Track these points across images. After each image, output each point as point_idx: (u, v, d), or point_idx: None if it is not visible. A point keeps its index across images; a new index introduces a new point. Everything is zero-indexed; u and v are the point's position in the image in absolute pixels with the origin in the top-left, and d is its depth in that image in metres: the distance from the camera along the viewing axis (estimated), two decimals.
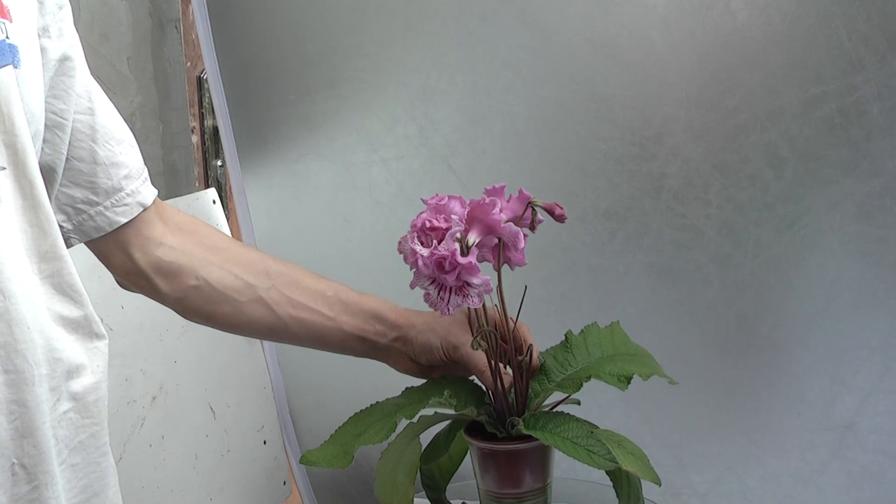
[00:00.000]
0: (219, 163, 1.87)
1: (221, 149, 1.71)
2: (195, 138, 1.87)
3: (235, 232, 1.62)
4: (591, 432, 0.90)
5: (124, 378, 1.26)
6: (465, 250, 0.84)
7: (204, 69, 1.64)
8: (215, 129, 1.81)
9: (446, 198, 0.87)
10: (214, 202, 1.55)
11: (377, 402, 1.00)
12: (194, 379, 1.41)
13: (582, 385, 0.94)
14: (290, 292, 0.99)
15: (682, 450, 1.28)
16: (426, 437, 1.00)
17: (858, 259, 1.15)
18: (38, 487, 0.73)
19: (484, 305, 0.93)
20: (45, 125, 0.82)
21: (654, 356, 0.99)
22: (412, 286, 0.87)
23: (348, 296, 1.01)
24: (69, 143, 0.86)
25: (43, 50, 0.82)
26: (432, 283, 0.85)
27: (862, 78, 1.10)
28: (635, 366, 0.94)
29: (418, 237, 0.85)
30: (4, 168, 0.73)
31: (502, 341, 0.95)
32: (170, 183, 1.84)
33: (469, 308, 0.86)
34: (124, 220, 0.91)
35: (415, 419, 0.95)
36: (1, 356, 0.71)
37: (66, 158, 0.86)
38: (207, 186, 1.85)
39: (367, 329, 1.01)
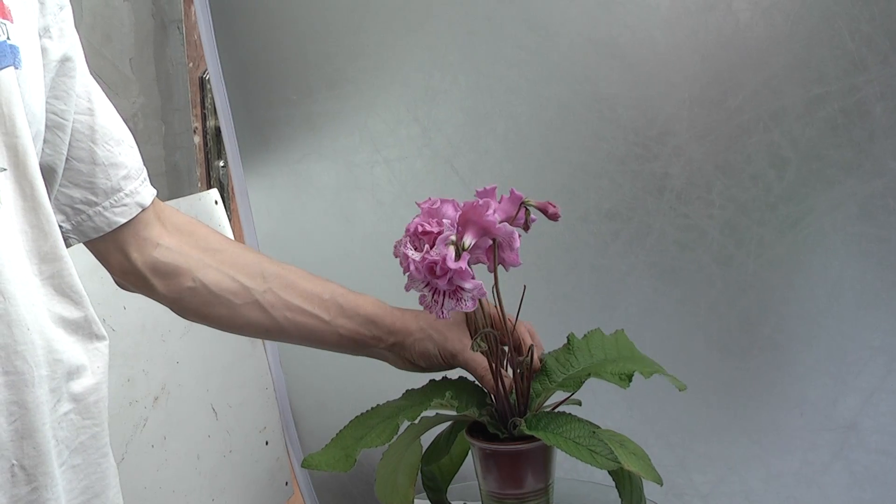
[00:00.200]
0: (221, 163, 1.87)
1: (224, 149, 1.71)
2: (197, 139, 1.87)
3: (238, 233, 1.62)
4: (594, 432, 0.89)
5: (126, 379, 1.26)
6: (461, 253, 0.84)
7: (206, 70, 1.65)
8: (217, 130, 1.81)
9: (439, 201, 0.87)
10: (217, 203, 1.55)
11: (378, 404, 1.00)
12: (196, 380, 1.41)
13: (582, 383, 0.94)
14: (286, 295, 0.99)
15: (684, 450, 1.28)
16: (427, 438, 1.00)
17: (861, 259, 1.15)
18: (38, 489, 0.73)
19: (483, 305, 0.93)
20: (46, 126, 0.82)
21: (658, 362, 0.99)
22: (406, 289, 0.87)
23: (345, 299, 1.01)
24: (69, 143, 0.86)
25: (44, 50, 0.82)
26: (426, 286, 0.85)
27: (864, 78, 1.10)
28: (637, 365, 0.94)
29: (411, 241, 0.85)
30: (5, 169, 0.73)
31: (501, 342, 0.95)
32: (172, 184, 1.84)
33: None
34: (123, 221, 0.91)
35: (416, 420, 0.95)
36: (1, 357, 0.71)
37: (66, 158, 0.86)
38: (210, 187, 1.85)
39: (364, 333, 1.00)
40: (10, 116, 0.73)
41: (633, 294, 1.27)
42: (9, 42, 0.75)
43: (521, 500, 0.95)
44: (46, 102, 0.82)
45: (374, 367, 1.06)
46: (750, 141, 1.17)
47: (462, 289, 0.84)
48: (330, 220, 1.48)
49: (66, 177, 0.87)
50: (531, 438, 0.92)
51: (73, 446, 0.78)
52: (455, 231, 0.85)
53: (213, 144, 1.87)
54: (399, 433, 0.94)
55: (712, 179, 1.20)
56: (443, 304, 0.85)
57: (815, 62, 1.12)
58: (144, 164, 0.95)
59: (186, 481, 1.37)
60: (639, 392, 0.98)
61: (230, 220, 1.60)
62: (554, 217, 0.91)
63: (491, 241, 0.88)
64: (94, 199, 0.89)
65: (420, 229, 0.85)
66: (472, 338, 0.97)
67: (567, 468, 1.04)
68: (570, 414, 0.94)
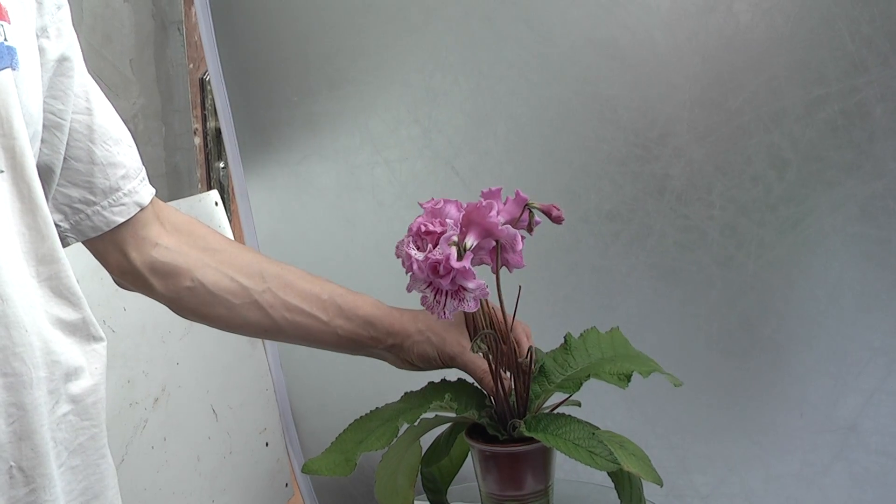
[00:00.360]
0: (221, 165, 1.87)
1: (224, 151, 1.71)
2: (198, 140, 1.87)
3: (238, 234, 1.62)
4: (593, 434, 0.89)
5: (126, 380, 1.26)
6: (462, 254, 0.84)
7: (206, 71, 1.65)
8: (218, 131, 1.81)
9: (442, 201, 0.87)
10: (217, 204, 1.55)
11: (378, 406, 1.00)
12: (197, 381, 1.41)
13: (581, 385, 0.94)
14: (285, 295, 0.99)
15: (684, 451, 1.28)
16: (427, 440, 1.00)
17: (861, 260, 1.15)
18: (36, 490, 0.73)
19: (482, 306, 0.93)
20: (44, 125, 0.82)
21: (655, 359, 0.99)
22: (409, 290, 0.87)
23: (344, 299, 1.01)
24: (67, 143, 0.86)
25: (41, 50, 0.82)
26: (428, 286, 0.85)
27: (865, 80, 1.10)
28: (635, 365, 0.94)
29: (414, 241, 0.85)
30: (2, 171, 0.73)
31: (501, 343, 0.95)
32: (172, 185, 1.84)
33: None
34: (121, 220, 0.91)
35: (416, 423, 0.95)
36: None
37: (64, 158, 0.86)
38: (210, 188, 1.85)
39: (362, 334, 1.00)
40: (7, 118, 0.73)
41: (634, 295, 1.27)
42: (6, 43, 0.74)
43: (520, 502, 0.95)
44: (44, 102, 0.82)
45: (373, 368, 1.06)
46: (750, 142, 1.17)
47: (465, 289, 0.84)
48: (330, 222, 1.48)
49: (64, 176, 0.87)
50: (531, 440, 0.92)
51: (71, 447, 0.78)
52: (458, 231, 0.85)
53: (214, 146, 1.87)
54: (398, 436, 0.94)
55: (713, 180, 1.20)
56: (445, 305, 0.85)
57: (816, 63, 1.12)
58: (144, 166, 0.94)
59: (186, 482, 1.37)
60: (639, 393, 0.98)
61: (230, 221, 1.60)
62: (558, 220, 0.91)
63: (494, 243, 0.88)
64: (92, 198, 0.89)
65: (423, 229, 0.85)
66: (471, 339, 0.97)
67: (567, 469, 1.04)
68: (569, 415, 0.94)
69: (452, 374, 1.01)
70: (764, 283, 1.20)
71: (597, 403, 1.00)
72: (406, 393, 1.01)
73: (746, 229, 1.19)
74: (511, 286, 0.92)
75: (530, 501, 0.95)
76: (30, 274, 0.75)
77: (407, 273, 0.86)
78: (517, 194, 0.90)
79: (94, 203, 0.89)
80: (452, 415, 0.98)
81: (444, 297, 0.85)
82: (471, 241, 0.85)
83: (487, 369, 0.95)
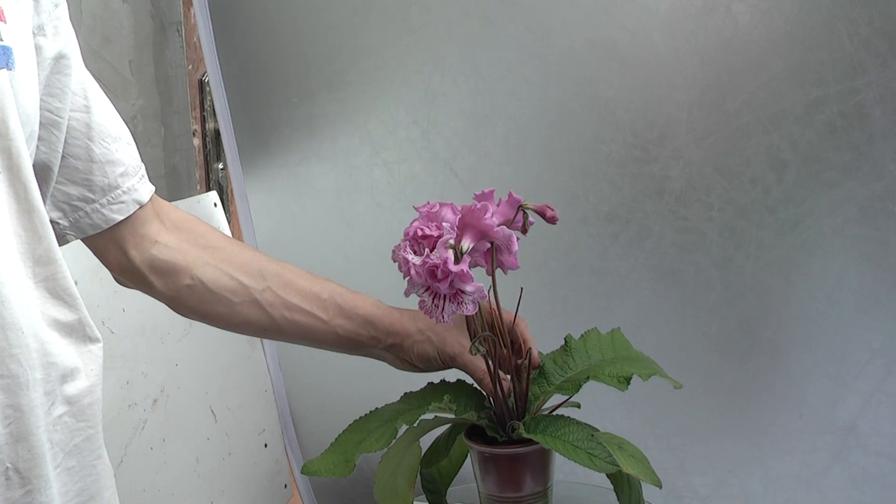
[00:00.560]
0: (220, 166, 1.87)
1: (223, 152, 1.71)
2: (197, 141, 1.87)
3: (237, 235, 1.62)
4: (592, 435, 0.89)
5: (125, 381, 1.26)
6: (460, 257, 0.84)
7: (205, 72, 1.65)
8: (217, 132, 1.81)
9: (438, 205, 0.87)
10: (216, 205, 1.55)
11: (377, 407, 1.00)
12: (195, 382, 1.41)
13: (581, 386, 0.94)
14: (284, 294, 0.99)
15: (683, 452, 1.28)
16: (426, 441, 1.00)
17: (860, 262, 1.14)
18: (32, 492, 0.73)
19: (481, 307, 0.93)
20: (41, 123, 0.82)
21: (655, 361, 0.99)
22: (406, 294, 0.87)
23: (344, 299, 1.01)
24: (65, 140, 0.86)
25: (38, 48, 0.81)
26: (426, 290, 0.85)
27: (863, 81, 1.10)
28: (635, 367, 0.94)
29: (410, 245, 0.85)
30: None
31: (500, 345, 0.95)
32: (171, 186, 1.84)
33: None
34: (120, 218, 0.91)
35: (415, 424, 0.95)
36: None
37: (62, 156, 0.86)
38: (209, 189, 1.85)
39: (362, 334, 1.00)
40: (4, 119, 0.73)
41: (633, 296, 1.27)
42: (2, 43, 0.74)
43: None
44: (41, 100, 0.82)
45: (373, 368, 1.06)
46: (749, 143, 1.17)
47: (463, 292, 0.84)
48: (329, 223, 1.47)
49: (63, 174, 0.87)
50: (530, 442, 0.92)
51: (67, 449, 0.78)
52: (454, 235, 0.85)
53: (213, 147, 1.87)
54: (398, 437, 0.94)
55: (711, 182, 1.20)
56: (443, 309, 0.85)
57: (814, 65, 1.12)
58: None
59: (185, 483, 1.37)
60: (638, 394, 0.97)
61: (229, 222, 1.60)
62: (552, 220, 0.91)
63: (489, 245, 0.88)
64: (91, 196, 0.89)
65: (419, 233, 0.85)
66: (471, 340, 0.97)
67: (566, 471, 1.04)
68: (568, 417, 0.94)
69: (452, 376, 1.01)
70: (763, 284, 1.20)
71: (596, 405, 1.00)
72: (405, 394, 1.01)
73: (745, 231, 1.19)
74: (512, 288, 0.92)
75: (529, 503, 0.95)
76: (26, 275, 0.75)
77: (405, 277, 0.86)
78: (510, 195, 0.90)
79: (93, 201, 0.89)
80: (452, 416, 0.98)
81: (442, 301, 0.85)
82: (467, 243, 0.85)
83: (487, 370, 0.95)
